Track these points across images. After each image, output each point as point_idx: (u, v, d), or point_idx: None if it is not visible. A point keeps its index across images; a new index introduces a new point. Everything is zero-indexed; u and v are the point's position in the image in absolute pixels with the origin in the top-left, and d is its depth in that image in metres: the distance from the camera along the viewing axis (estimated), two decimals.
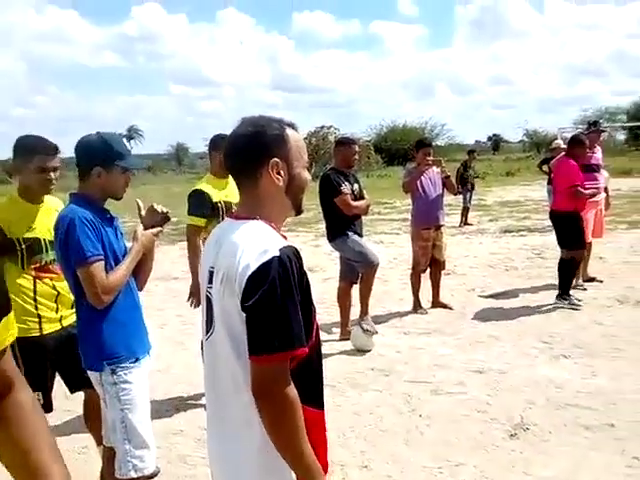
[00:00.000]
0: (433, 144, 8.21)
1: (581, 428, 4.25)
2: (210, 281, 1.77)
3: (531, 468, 3.74)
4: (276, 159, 1.77)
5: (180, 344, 6.43)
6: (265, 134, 1.77)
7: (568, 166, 7.27)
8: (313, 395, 1.69)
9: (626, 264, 9.66)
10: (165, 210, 3.11)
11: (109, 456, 2.88)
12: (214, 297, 1.75)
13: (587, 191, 7.28)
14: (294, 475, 1.70)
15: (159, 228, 3.08)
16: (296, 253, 1.69)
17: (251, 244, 1.66)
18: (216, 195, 4.57)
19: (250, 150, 1.78)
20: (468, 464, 3.81)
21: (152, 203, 3.15)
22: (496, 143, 77.18)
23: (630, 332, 6.23)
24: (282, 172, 1.78)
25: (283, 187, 1.79)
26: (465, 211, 15.44)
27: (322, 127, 39.55)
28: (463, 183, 15.16)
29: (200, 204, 4.58)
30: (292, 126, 1.85)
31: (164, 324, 7.16)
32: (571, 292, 7.40)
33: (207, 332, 1.81)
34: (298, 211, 1.90)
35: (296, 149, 1.82)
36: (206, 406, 1.93)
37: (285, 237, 1.78)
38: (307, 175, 1.87)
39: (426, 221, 7.33)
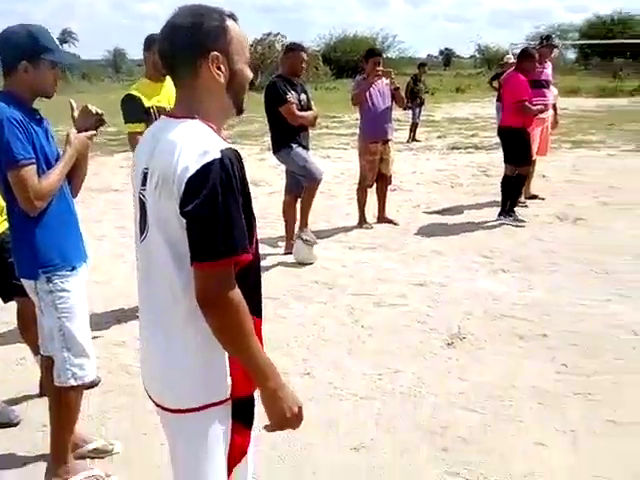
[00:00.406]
0: (384, 56, 8.06)
1: (516, 338, 4.41)
2: (144, 183, 1.69)
3: (466, 374, 3.89)
4: (216, 53, 1.66)
5: (120, 256, 6.33)
6: (204, 25, 1.65)
7: (516, 81, 7.25)
8: (251, 304, 1.67)
9: (568, 183, 9.87)
10: (100, 112, 2.97)
11: (47, 365, 2.85)
12: (148, 200, 1.67)
13: (534, 107, 7.31)
14: (229, 380, 1.71)
15: (93, 132, 2.95)
16: (237, 156, 1.62)
17: (190, 144, 1.58)
18: (148, 100, 4.37)
19: (188, 43, 1.65)
20: (407, 371, 3.94)
21: (86, 104, 3.01)
22: (447, 58, 76.65)
23: (568, 248, 6.42)
24: (223, 67, 1.67)
25: (224, 84, 1.69)
26: (414, 127, 15.38)
27: (269, 34, 37.87)
28: (413, 98, 15.03)
29: (134, 109, 4.39)
30: (233, 17, 1.72)
31: (103, 236, 7.04)
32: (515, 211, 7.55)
33: (141, 236, 1.75)
34: (239, 110, 1.80)
35: (237, 42, 1.70)
36: (140, 314, 1.87)
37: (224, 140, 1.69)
38: (249, 72, 1.76)
39: (374, 135, 7.28)
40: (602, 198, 8.66)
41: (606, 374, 3.87)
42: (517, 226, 7.30)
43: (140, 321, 1.88)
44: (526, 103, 7.15)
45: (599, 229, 7.14)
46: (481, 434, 3.28)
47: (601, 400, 3.58)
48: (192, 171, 1.54)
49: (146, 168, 1.68)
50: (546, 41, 8.82)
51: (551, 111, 8.46)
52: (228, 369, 1.70)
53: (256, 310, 1.74)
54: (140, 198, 1.73)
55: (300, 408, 1.71)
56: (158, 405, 1.78)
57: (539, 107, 7.44)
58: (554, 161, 11.42)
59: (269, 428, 1.73)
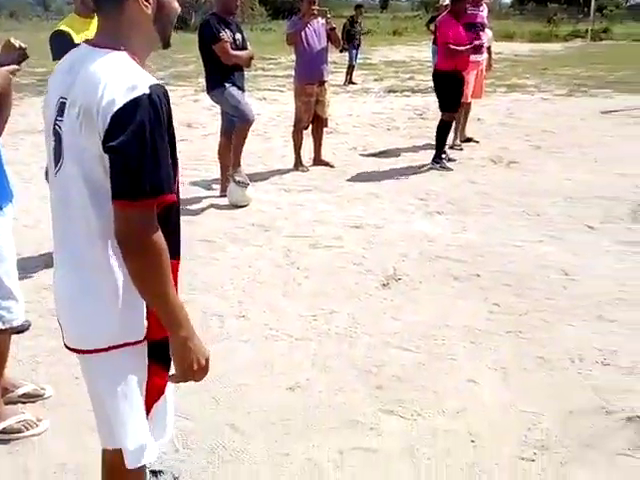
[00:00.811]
0: None
1: (450, 278, 4.46)
2: (60, 114, 1.58)
3: (401, 314, 3.92)
4: None
5: (48, 199, 6.06)
6: None
7: (448, 23, 7.14)
8: (171, 245, 1.59)
9: (502, 126, 9.98)
10: (24, 45, 2.78)
11: None
12: (64, 132, 1.56)
13: (460, 47, 7.12)
14: (146, 322, 1.66)
15: (16, 66, 2.76)
16: (165, 93, 1.54)
17: (117, 77, 1.48)
18: (78, 36, 4.14)
19: None
20: (342, 312, 3.93)
21: (9, 38, 2.82)
22: (385, 1, 75.66)
23: (501, 190, 6.50)
24: None
25: (151, 15, 1.60)
26: (350, 69, 15.21)
27: None
28: (349, 40, 14.83)
29: (63, 45, 4.13)
30: None
31: (31, 179, 6.73)
32: (447, 153, 7.57)
33: (55, 167, 1.64)
34: (166, 43, 1.71)
35: None
36: (54, 252, 1.78)
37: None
38: (177, 5, 1.68)
39: (309, 76, 7.13)
40: (535, 142, 8.80)
41: (536, 313, 3.95)
42: (446, 170, 7.32)
43: (55, 260, 1.78)
44: (451, 45, 7.01)
45: (532, 172, 7.25)
46: (415, 372, 3.31)
47: (531, 338, 3.65)
48: (119, 105, 1.45)
49: (64, 98, 1.57)
50: None
51: (485, 54, 8.44)
52: (145, 311, 1.65)
53: (174, 252, 1.67)
54: (55, 129, 1.61)
55: (207, 360, 1.68)
56: (73, 349, 1.73)
57: (465, 48, 7.21)
58: (489, 104, 11.53)
59: (174, 379, 1.70)
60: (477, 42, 7.88)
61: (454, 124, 7.84)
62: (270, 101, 12.14)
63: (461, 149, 8.22)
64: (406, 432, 2.86)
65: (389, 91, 13.78)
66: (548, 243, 5.10)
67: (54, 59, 4.18)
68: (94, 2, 1.64)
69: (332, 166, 7.48)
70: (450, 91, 7.24)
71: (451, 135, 7.85)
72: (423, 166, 7.41)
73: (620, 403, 3.04)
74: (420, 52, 21.49)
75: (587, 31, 33.76)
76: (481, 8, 8.13)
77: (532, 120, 10.41)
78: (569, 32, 35.32)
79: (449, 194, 6.40)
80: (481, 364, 3.40)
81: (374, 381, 3.22)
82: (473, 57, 7.90)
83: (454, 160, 7.62)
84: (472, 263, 4.71)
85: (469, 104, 8.39)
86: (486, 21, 8.29)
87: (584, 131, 9.58)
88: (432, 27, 12.74)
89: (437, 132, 7.43)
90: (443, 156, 7.44)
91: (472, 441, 2.80)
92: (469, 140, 8.65)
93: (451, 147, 8.02)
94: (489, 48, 8.56)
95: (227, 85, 5.92)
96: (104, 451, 1.87)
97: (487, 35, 8.42)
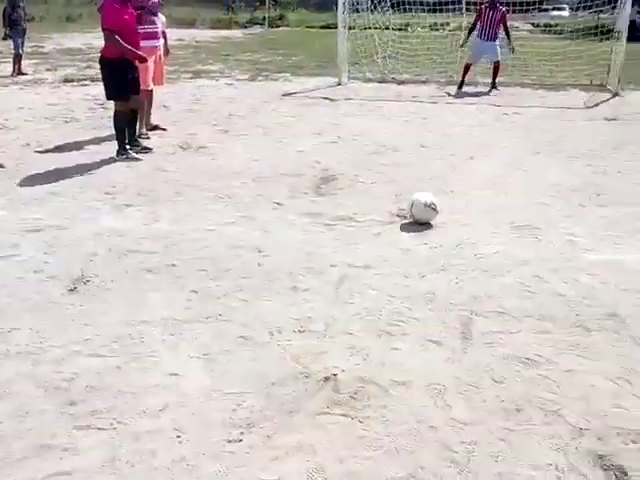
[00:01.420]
0: None
1: (144, 272, 4.25)
2: None
3: (91, 319, 3.60)
4: None
5: None
6: None
7: (113, 8, 6.75)
8: None
9: (189, 112, 9.95)
10: None
11: None
12: None
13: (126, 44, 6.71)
14: None
15: None
16: None
17: None
18: None
19: None
20: (23, 327, 3.50)
21: None
22: None
23: (191, 176, 6.44)
24: None
25: None
26: (17, 59, 13.80)
27: None
28: (12, 26, 13.55)
29: None
30: None
31: None
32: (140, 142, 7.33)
33: None
34: None
35: None
36: None
37: None
38: None
39: None
40: (222, 126, 8.91)
41: (234, 293, 3.94)
42: (135, 160, 7.06)
43: None
44: (115, 36, 6.62)
45: (220, 156, 7.30)
46: (112, 378, 3.07)
47: (231, 319, 3.63)
48: None
49: None
50: None
51: (162, 40, 8.28)
52: None
53: None
54: None
55: None
56: None
57: (127, 48, 6.74)
58: (174, 91, 11.45)
59: None
60: (152, 28, 7.73)
61: (138, 113, 7.59)
62: None
63: (148, 137, 7.98)
64: (106, 443, 2.62)
65: (65, 81, 12.92)
66: (240, 224, 5.15)
67: None
68: None
69: (2, 166, 6.71)
70: (118, 79, 6.85)
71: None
72: (109, 158, 7.03)
73: (316, 366, 3.15)
74: (98, 39, 20.51)
75: (264, 18, 35.43)
76: None
77: (218, 105, 10.55)
78: (248, 19, 36.74)
79: (138, 185, 6.15)
80: (182, 355, 3.29)
81: (65, 397, 2.91)
82: (149, 43, 7.74)
83: (150, 149, 7.36)
84: (166, 253, 4.55)
85: (151, 91, 8.16)
86: (158, 6, 8.12)
87: (267, 113, 9.96)
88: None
89: (114, 123, 7.07)
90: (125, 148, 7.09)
91: (178, 436, 2.67)
92: (156, 128, 8.44)
93: (138, 136, 7.73)
94: (164, 33, 8.39)
95: None
96: None
97: (161, 20, 8.26)
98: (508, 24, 12.49)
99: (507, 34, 12.44)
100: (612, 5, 13.01)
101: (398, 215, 5.33)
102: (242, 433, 2.68)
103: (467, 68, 12.66)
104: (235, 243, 4.73)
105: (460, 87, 12.66)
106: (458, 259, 4.46)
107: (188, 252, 4.58)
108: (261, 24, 35.24)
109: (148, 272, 4.25)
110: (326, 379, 3.04)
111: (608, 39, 13.32)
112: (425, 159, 7.26)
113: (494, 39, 12.27)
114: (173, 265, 4.36)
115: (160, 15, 8.24)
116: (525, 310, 3.74)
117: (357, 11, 14.07)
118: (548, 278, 4.17)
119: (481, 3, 12.93)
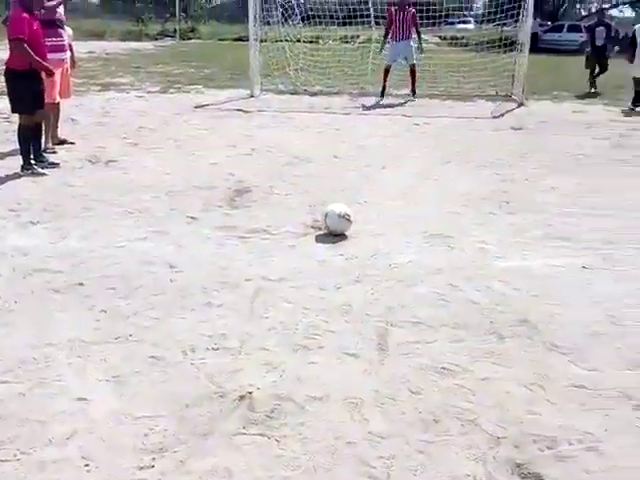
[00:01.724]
0: None
1: (50, 292, 4.08)
2: None
3: None
4: None
5: None
6: None
7: (21, 19, 6.52)
8: None
9: (98, 125, 9.71)
10: None
11: None
12: None
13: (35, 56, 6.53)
14: None
15: None
16: None
17: None
18: None
19: None
20: None
21: None
22: None
23: (101, 191, 6.25)
24: None
25: None
26: None
27: None
28: None
29: None
30: None
31: None
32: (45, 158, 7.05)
33: None
34: None
35: None
36: None
37: None
38: None
39: None
40: (133, 139, 8.72)
41: (146, 312, 3.83)
42: (41, 175, 6.78)
43: None
44: (25, 45, 6.39)
45: (131, 170, 7.12)
46: (16, 405, 2.91)
47: (142, 339, 3.52)
48: None
49: None
50: None
51: (69, 52, 8.05)
52: None
53: None
54: None
55: None
56: None
57: (36, 59, 6.55)
58: (83, 104, 11.18)
59: None
60: (58, 41, 7.52)
61: (44, 126, 7.33)
62: None
63: (55, 152, 7.71)
64: (9, 476, 2.48)
65: None
66: (152, 239, 5.02)
67: None
68: None
69: None
70: (24, 92, 6.61)
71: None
72: (13, 174, 6.73)
73: (231, 384, 3.09)
74: (1, 52, 19.81)
75: (175, 30, 35.09)
76: (57, 6, 7.69)
77: (128, 118, 10.33)
78: (159, 31, 36.29)
79: (44, 201, 5.91)
80: (91, 378, 3.15)
81: None
82: (56, 56, 7.52)
83: (57, 164, 7.10)
84: (74, 272, 4.38)
85: (58, 104, 7.90)
86: (64, 18, 7.89)
87: (179, 126, 9.81)
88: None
89: (18, 137, 6.79)
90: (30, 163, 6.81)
91: (86, 465, 2.55)
92: (63, 142, 8.18)
93: (44, 150, 7.44)
94: (70, 45, 8.15)
95: None
96: None
97: (67, 32, 8.03)
98: (418, 23, 12.97)
99: (418, 34, 12.84)
100: (515, 19, 13.54)
101: (313, 226, 5.33)
102: (154, 459, 2.58)
103: (387, 71, 12.95)
104: (146, 259, 4.61)
105: (382, 94, 12.91)
106: (373, 269, 4.49)
107: (97, 270, 4.42)
108: (172, 36, 34.88)
109: (55, 292, 4.08)
110: (241, 398, 2.98)
111: (512, 51, 13.84)
112: (338, 170, 7.30)
113: (407, 38, 12.65)
114: (81, 284, 4.20)
115: (67, 28, 8.01)
116: (440, 319, 3.79)
117: (268, 24, 14.15)
118: (461, 286, 4.24)
119: (390, 4, 13.28)
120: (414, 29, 12.75)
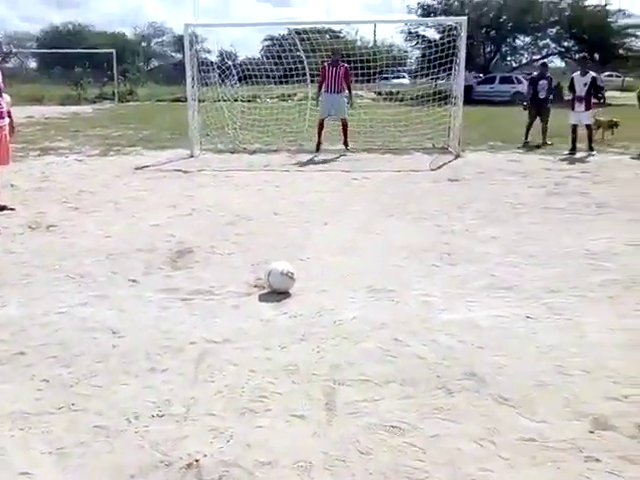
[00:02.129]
0: None
1: None
2: None
3: None
4: None
5: None
6: None
7: None
8: None
9: (38, 190, 9.59)
10: None
11: None
12: None
13: None
14: None
15: None
16: None
17: None
18: None
19: None
20: None
21: None
22: None
23: (41, 257, 6.14)
24: None
25: None
26: None
27: None
28: None
29: None
30: None
31: None
32: None
33: None
34: None
35: None
36: None
37: None
38: None
39: None
40: (73, 203, 8.63)
41: (88, 379, 3.75)
42: None
43: None
44: None
45: (71, 234, 7.03)
46: None
47: (86, 408, 3.44)
48: None
49: None
50: None
51: (7, 119, 8.01)
52: None
53: None
54: None
55: None
56: None
57: None
58: (22, 170, 11.09)
59: None
60: None
61: None
62: None
63: None
64: None
65: None
66: (93, 304, 4.94)
67: None
68: None
69: None
70: None
71: None
72: None
73: (177, 452, 3.03)
74: None
75: (114, 93, 35.19)
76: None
77: (68, 182, 10.24)
78: (97, 95, 36.32)
79: None
80: (34, 451, 3.06)
81: None
82: None
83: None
84: (14, 341, 4.27)
85: None
86: (1, 85, 7.87)
87: (119, 188, 9.76)
88: None
89: None
90: None
91: None
92: (3, 208, 8.06)
93: None
94: (9, 112, 8.11)
95: None
96: None
97: (5, 99, 8.02)
98: (350, 79, 13.40)
99: (349, 89, 13.24)
100: (447, 73, 14.07)
101: (256, 285, 5.33)
102: None
103: (321, 126, 13.30)
104: (88, 325, 4.53)
105: (318, 149, 13.17)
106: (318, 327, 4.50)
107: (38, 338, 4.32)
108: (111, 99, 34.93)
109: None
110: (188, 466, 2.92)
111: (446, 104, 14.32)
112: (280, 227, 7.36)
113: (339, 92, 13.04)
114: (22, 353, 4.09)
115: (4, 94, 7.99)
116: (387, 375, 3.80)
117: (206, 84, 14.35)
118: (407, 341, 4.27)
119: (323, 61, 13.73)
120: (345, 84, 13.15)
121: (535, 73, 15.87)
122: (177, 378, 3.78)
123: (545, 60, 40.35)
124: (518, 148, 14.18)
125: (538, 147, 14.28)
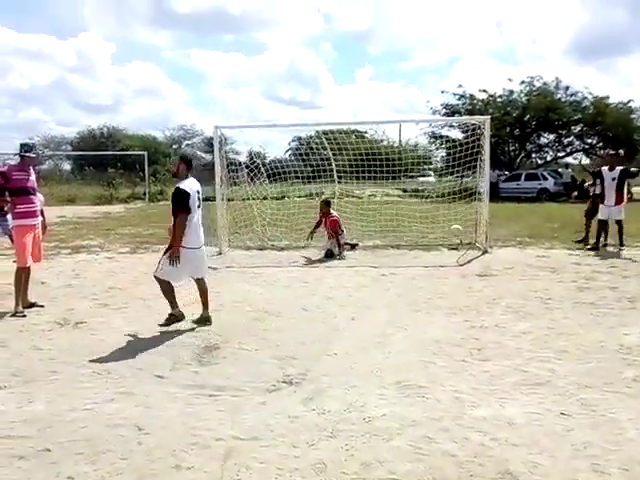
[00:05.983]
0: None
1: (15, 459, 3.95)
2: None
3: None
4: None
5: None
6: None
7: None
8: None
9: (68, 287, 9.71)
10: None
11: None
12: None
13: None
14: None
15: None
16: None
17: None
18: None
19: None
20: None
21: None
22: None
23: (67, 354, 6.17)
24: None
25: None
26: None
27: None
28: None
29: None
30: None
31: None
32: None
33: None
34: None
35: None
36: None
37: None
38: None
39: None
40: (102, 300, 8.71)
41: (113, 477, 3.71)
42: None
43: None
44: None
45: (99, 330, 7.07)
46: None
47: None
48: None
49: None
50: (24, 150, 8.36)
51: (40, 218, 8.26)
52: None
53: None
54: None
55: None
56: None
57: None
58: (53, 267, 11.27)
59: None
60: (30, 207, 7.79)
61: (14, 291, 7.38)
62: None
63: (24, 315, 7.68)
64: None
65: None
66: (119, 400, 4.92)
67: None
68: None
69: None
70: None
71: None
72: None
73: None
74: None
75: (145, 193, 36.18)
76: (30, 172, 8.01)
77: (98, 279, 10.39)
78: (129, 195, 37.34)
79: (12, 365, 5.82)
80: None
81: None
82: (28, 221, 7.93)
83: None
84: (40, 437, 4.26)
85: (29, 268, 7.99)
86: (36, 185, 8.17)
87: (148, 285, 9.84)
88: None
89: None
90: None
91: None
92: (33, 305, 8.16)
93: (13, 314, 7.43)
94: (42, 211, 8.36)
95: None
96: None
97: (39, 199, 8.31)
98: (339, 230, 13.09)
99: (336, 238, 12.91)
100: (472, 171, 14.26)
101: (284, 381, 5.27)
102: None
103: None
104: (114, 422, 4.50)
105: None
106: (347, 424, 4.41)
107: (64, 434, 4.29)
108: (142, 199, 35.85)
109: (19, 459, 3.95)
110: None
111: (472, 200, 14.43)
112: (308, 322, 7.33)
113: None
114: (47, 450, 4.08)
115: (38, 194, 8.27)
116: (418, 474, 3.69)
117: (235, 184, 14.68)
118: (438, 438, 4.17)
119: (322, 200, 13.79)
120: (333, 233, 12.97)
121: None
122: (203, 476, 3.71)
123: (561, 154, 40.98)
124: (544, 243, 14.13)
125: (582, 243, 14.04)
